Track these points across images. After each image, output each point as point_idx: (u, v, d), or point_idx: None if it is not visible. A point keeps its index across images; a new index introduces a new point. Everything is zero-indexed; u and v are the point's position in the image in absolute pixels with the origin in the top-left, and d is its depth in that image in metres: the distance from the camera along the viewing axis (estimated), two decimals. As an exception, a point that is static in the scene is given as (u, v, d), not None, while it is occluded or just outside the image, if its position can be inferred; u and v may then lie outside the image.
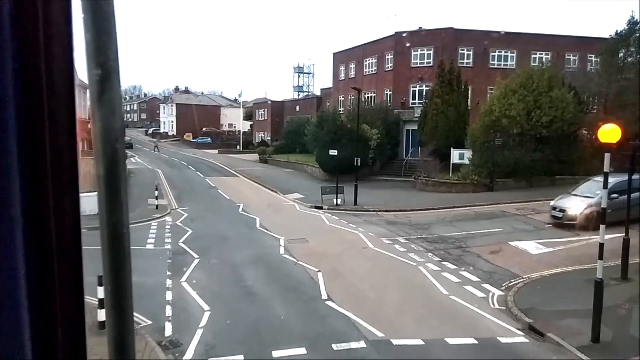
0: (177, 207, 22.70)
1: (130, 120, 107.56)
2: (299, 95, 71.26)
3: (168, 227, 17.98)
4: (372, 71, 41.16)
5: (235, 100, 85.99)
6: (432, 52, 36.95)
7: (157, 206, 21.45)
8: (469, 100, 32.26)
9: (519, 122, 24.84)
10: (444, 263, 13.29)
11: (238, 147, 61.59)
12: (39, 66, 0.68)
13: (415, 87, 37.49)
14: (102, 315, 7.70)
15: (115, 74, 0.72)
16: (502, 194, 23.94)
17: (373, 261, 13.49)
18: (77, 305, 0.76)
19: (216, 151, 58.97)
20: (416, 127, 36.01)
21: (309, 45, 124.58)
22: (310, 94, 69.88)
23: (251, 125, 69.03)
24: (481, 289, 11.27)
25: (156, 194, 21.77)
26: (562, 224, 16.82)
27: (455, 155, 27.80)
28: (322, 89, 53.50)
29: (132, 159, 48.14)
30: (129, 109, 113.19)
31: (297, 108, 55.99)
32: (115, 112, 0.73)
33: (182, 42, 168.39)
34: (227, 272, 12.46)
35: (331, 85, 48.90)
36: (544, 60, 34.71)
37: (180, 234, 16.49)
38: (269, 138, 57.98)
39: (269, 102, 62.24)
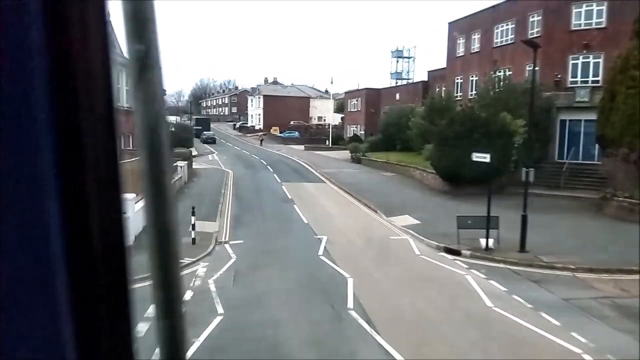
0: (226, 239, 14.76)
1: (221, 113, 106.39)
2: (396, 83, 61.19)
3: (189, 294, 9.88)
4: (506, 40, 30.27)
5: (326, 91, 78.60)
6: (604, 8, 25.30)
7: (194, 239, 13.60)
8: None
9: None
10: None
11: (327, 142, 54.02)
12: (72, 45, 0.57)
13: (577, 58, 26.07)
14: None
15: (155, 49, 0.62)
16: None
17: None
18: (124, 310, 0.66)
19: (302, 147, 51.78)
20: (576, 117, 25.16)
21: (409, 25, 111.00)
22: (410, 80, 59.58)
23: (342, 118, 60.95)
24: None
25: (192, 220, 13.82)
26: None
27: (684, 162, 16.58)
28: (429, 71, 43.15)
29: (208, 156, 43.14)
30: (220, 102, 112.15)
31: (397, 96, 46.45)
32: (156, 94, 0.64)
33: (274, 32, 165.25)
34: None
35: (442, 66, 38.57)
36: None
37: (197, 324, 8.23)
38: (362, 132, 49.54)
39: (363, 90, 53.30)
